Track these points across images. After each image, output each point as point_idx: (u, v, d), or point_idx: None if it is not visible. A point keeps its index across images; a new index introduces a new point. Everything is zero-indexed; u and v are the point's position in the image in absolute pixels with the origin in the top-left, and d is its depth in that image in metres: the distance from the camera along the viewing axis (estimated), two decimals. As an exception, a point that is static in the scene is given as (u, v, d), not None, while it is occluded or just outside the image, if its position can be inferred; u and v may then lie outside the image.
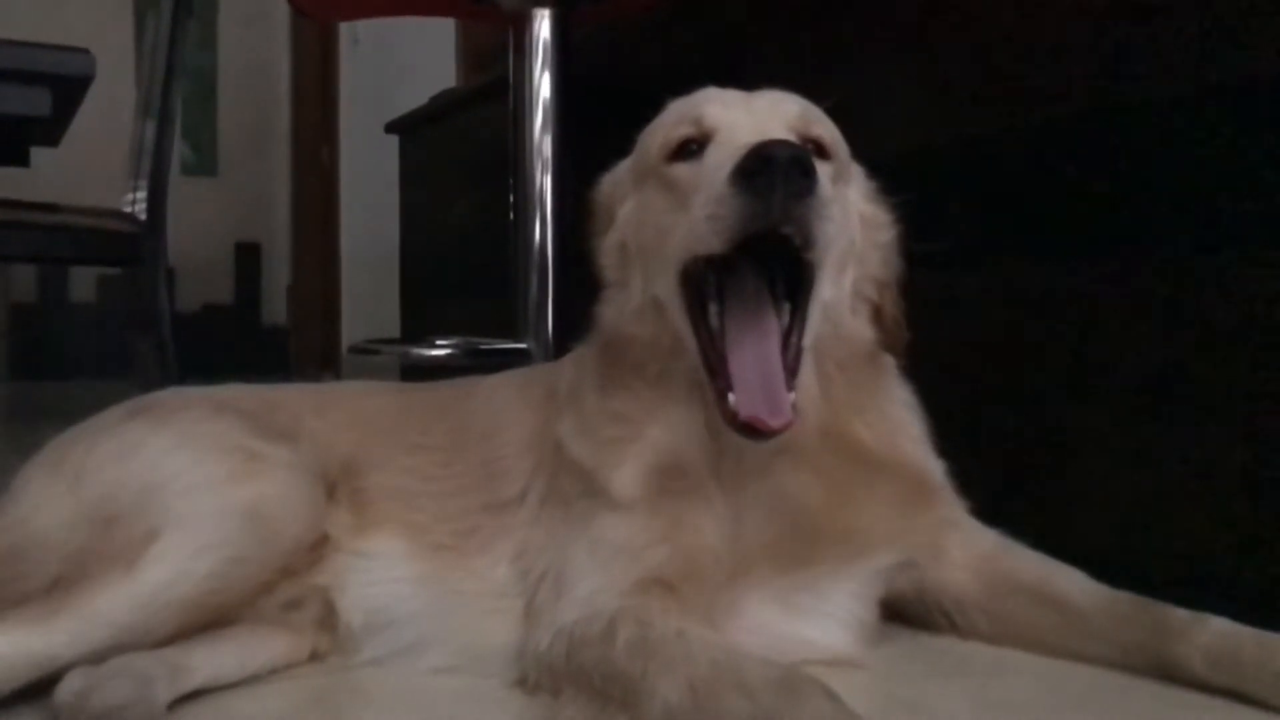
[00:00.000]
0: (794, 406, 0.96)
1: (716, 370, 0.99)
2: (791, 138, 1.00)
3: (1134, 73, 1.29)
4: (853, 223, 1.10)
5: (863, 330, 1.11)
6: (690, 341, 1.03)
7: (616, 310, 1.12)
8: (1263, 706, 0.93)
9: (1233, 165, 1.19)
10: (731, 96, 1.10)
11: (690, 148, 1.05)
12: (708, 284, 1.01)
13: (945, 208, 1.50)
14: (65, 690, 0.91)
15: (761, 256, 0.99)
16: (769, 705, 0.78)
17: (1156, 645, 1.00)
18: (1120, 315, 1.31)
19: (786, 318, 1.01)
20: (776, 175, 0.91)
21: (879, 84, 1.63)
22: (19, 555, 1.01)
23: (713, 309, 1.01)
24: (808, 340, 1.03)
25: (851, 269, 1.10)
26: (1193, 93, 1.23)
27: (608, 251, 1.14)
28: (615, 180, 1.18)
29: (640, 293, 1.09)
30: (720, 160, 0.98)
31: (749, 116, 1.04)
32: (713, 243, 0.95)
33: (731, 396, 0.95)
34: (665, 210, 1.05)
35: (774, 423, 0.93)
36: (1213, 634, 0.97)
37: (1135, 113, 1.29)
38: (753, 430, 0.94)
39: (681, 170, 1.05)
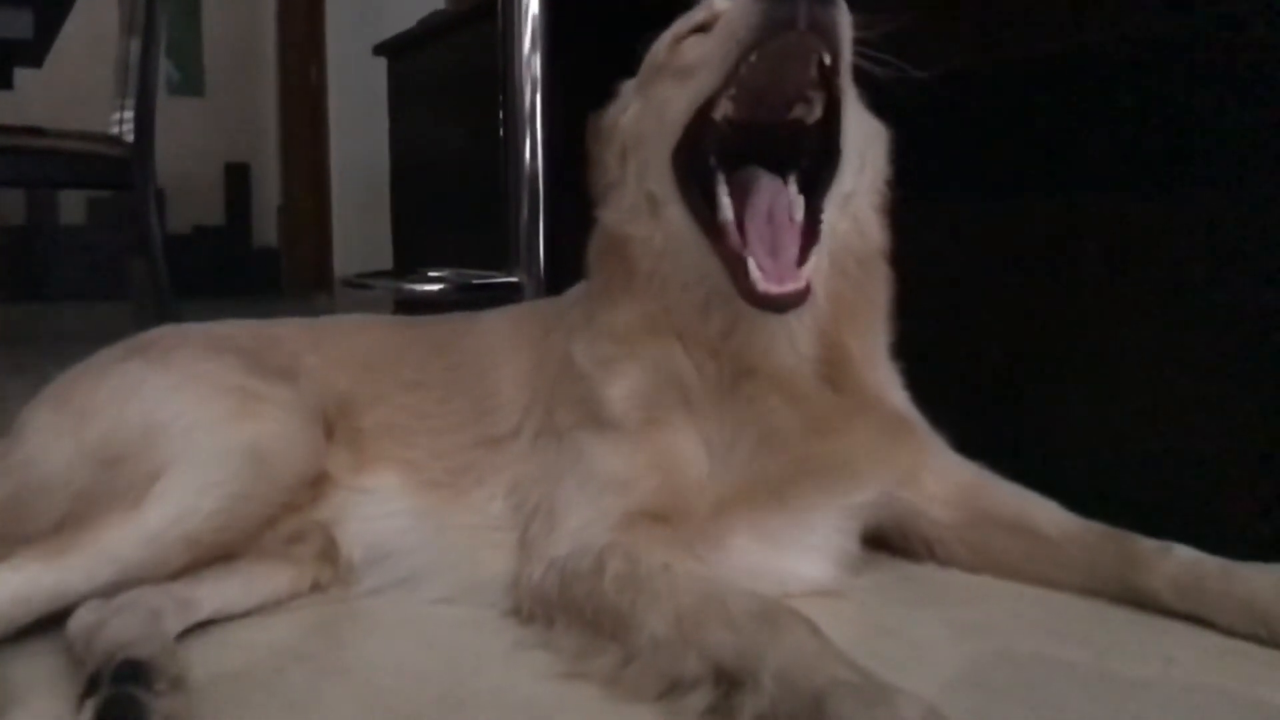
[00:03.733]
0: (808, 286, 0.96)
1: (731, 256, 0.99)
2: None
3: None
4: (868, 123, 1.13)
5: (879, 229, 1.13)
6: (687, 231, 1.05)
7: (614, 211, 1.14)
8: (1225, 631, 0.97)
9: (1224, 102, 1.20)
10: None
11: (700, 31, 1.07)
12: (717, 180, 1.02)
13: (936, 137, 1.50)
14: (77, 624, 0.94)
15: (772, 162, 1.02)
16: (751, 637, 0.81)
17: (1125, 573, 1.04)
18: (1114, 247, 1.33)
19: (800, 211, 1.02)
20: None
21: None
22: (27, 495, 1.04)
23: (725, 203, 1.01)
24: (829, 211, 1.04)
25: (870, 165, 1.12)
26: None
27: (609, 156, 1.16)
28: (620, 101, 1.20)
29: (635, 188, 1.11)
30: (733, 11, 0.99)
31: None
32: (732, 53, 0.96)
33: (751, 263, 0.97)
34: (670, 89, 1.07)
35: (788, 282, 0.95)
36: (1178, 563, 1.01)
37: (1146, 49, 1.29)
38: (768, 300, 0.95)
39: (691, 44, 1.07)
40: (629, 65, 1.20)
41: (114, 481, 1.02)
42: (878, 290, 1.14)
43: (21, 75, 4.57)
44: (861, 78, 1.10)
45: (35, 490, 1.04)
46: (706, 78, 1.01)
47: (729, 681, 0.81)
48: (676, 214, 1.06)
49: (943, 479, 1.17)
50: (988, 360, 1.48)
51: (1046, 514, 1.12)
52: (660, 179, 1.07)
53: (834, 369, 1.09)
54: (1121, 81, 1.30)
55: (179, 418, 1.07)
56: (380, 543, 1.14)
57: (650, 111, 1.11)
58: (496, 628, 1.03)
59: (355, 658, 0.99)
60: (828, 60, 0.97)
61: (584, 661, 0.92)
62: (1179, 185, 1.23)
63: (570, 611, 0.96)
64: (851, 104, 1.06)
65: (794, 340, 1.06)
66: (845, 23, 0.97)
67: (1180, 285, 1.24)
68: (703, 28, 1.08)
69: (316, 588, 1.13)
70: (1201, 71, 1.21)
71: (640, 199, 1.10)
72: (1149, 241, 1.27)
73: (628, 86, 1.20)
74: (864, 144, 1.11)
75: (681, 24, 1.12)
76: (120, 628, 0.90)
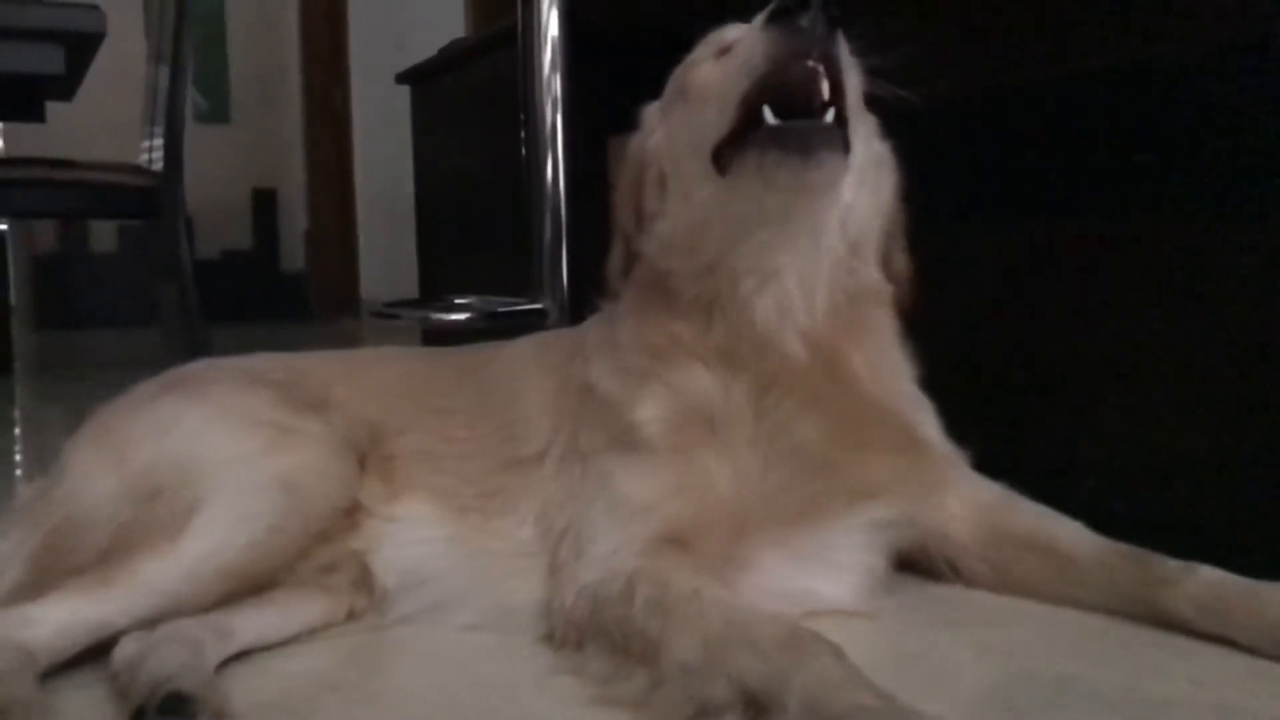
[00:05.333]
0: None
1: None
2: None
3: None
4: (873, 146, 1.16)
5: (872, 269, 1.16)
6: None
7: (656, 243, 1.15)
8: (1251, 652, 0.97)
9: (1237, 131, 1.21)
10: None
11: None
12: None
13: (954, 161, 1.52)
14: (120, 655, 0.97)
15: None
16: (777, 663, 0.82)
17: (1149, 593, 1.04)
18: (1124, 273, 1.33)
19: None
20: (813, 11, 0.97)
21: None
22: (70, 528, 1.06)
23: None
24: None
25: (868, 193, 1.14)
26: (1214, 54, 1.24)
27: (646, 185, 1.18)
28: (645, 127, 1.22)
29: (679, 212, 1.13)
30: (747, 39, 1.04)
31: None
32: (747, 83, 1.01)
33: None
34: (695, 113, 1.10)
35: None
36: (1201, 583, 1.01)
37: (1147, 74, 1.30)
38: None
39: (706, 69, 1.11)
40: (649, 87, 1.23)
41: (153, 515, 1.05)
42: (880, 322, 1.17)
43: (52, 108, 4.66)
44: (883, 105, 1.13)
45: (78, 524, 1.06)
46: (723, 110, 1.04)
47: (756, 707, 0.82)
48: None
49: (965, 499, 1.18)
50: (1012, 380, 1.49)
51: (1070, 534, 1.13)
52: (704, 188, 1.09)
53: (843, 382, 1.11)
54: (1152, 103, 1.30)
55: (214, 452, 1.10)
56: (412, 569, 1.15)
57: (680, 133, 1.14)
58: (527, 654, 1.05)
59: (390, 686, 1.01)
60: (827, 95, 1.01)
61: (613, 686, 0.93)
62: (1207, 204, 1.24)
63: (600, 637, 0.98)
64: (861, 128, 1.10)
65: (785, 329, 1.09)
66: (845, 55, 1.03)
67: (1210, 303, 1.24)
68: (729, 48, 1.11)
69: (351, 616, 1.15)
70: (1238, 93, 1.22)
71: (686, 221, 1.12)
72: (1178, 261, 1.28)
73: (650, 111, 1.22)
74: (868, 167, 1.14)
75: (701, 51, 1.16)
76: (163, 659, 0.92)
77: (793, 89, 1.01)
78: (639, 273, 1.18)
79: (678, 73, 1.19)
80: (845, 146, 1.03)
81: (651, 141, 1.18)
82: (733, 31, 1.13)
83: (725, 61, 1.08)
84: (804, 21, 0.97)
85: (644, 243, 1.17)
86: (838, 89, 1.01)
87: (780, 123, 0.99)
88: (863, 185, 1.13)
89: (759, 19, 1.02)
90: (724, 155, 1.05)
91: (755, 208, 1.07)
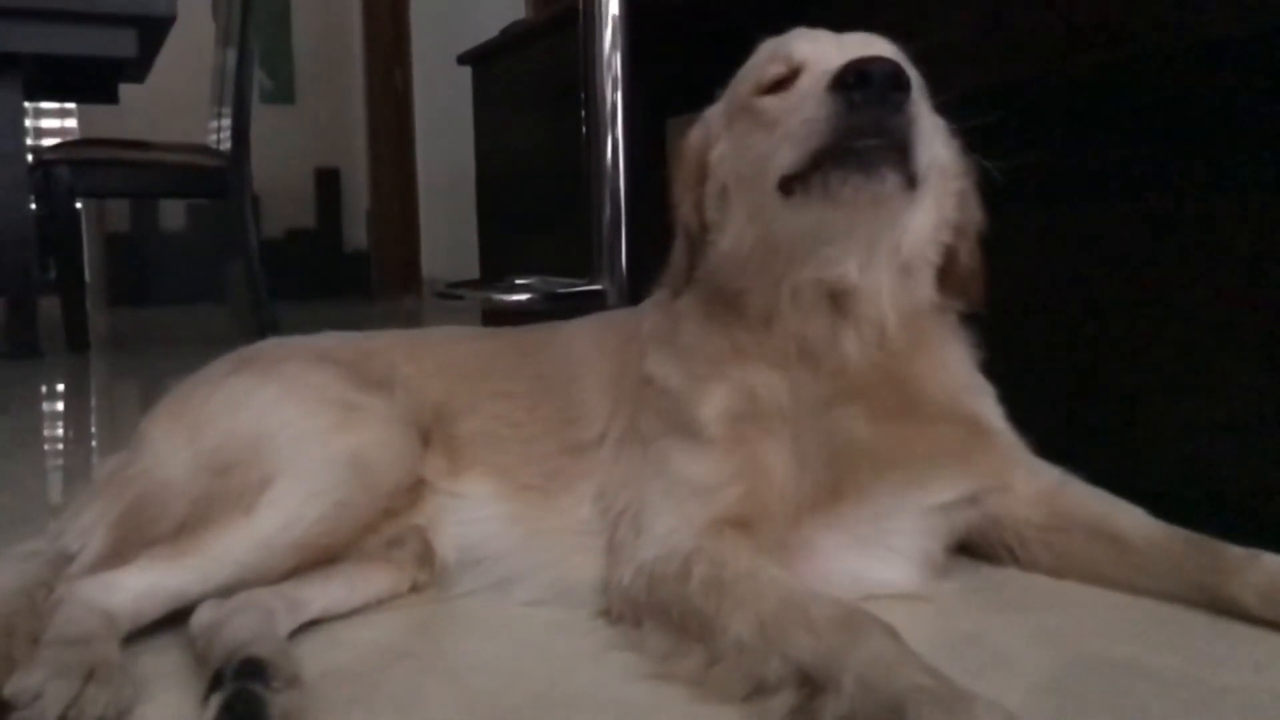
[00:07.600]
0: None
1: None
2: None
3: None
4: (939, 158, 1.13)
5: (927, 287, 1.14)
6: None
7: (717, 254, 1.16)
8: (1314, 641, 0.96)
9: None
10: (822, 34, 1.13)
11: (781, 84, 1.09)
12: None
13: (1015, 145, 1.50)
14: (198, 622, 1.01)
15: None
16: (832, 642, 0.83)
17: (1211, 581, 1.03)
18: (1186, 253, 1.32)
19: None
20: (873, 90, 0.95)
21: (958, 21, 1.62)
22: (148, 502, 1.10)
23: None
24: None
25: (925, 213, 1.12)
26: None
27: (708, 198, 1.17)
28: (705, 126, 1.21)
29: (743, 230, 1.13)
30: (812, 84, 1.02)
31: (839, 53, 1.05)
32: (808, 145, 0.99)
33: None
34: (760, 140, 1.08)
35: None
36: (1265, 571, 1.00)
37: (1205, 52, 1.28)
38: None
39: (772, 102, 1.08)
40: (709, 68, 1.22)
41: (227, 489, 1.09)
42: (938, 328, 1.17)
43: (125, 90, 4.79)
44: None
45: (155, 497, 1.10)
46: (787, 155, 1.02)
47: (811, 685, 0.83)
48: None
49: (1026, 484, 1.18)
50: (1075, 363, 1.47)
51: (1131, 519, 1.12)
52: (770, 215, 1.09)
53: (904, 391, 1.11)
54: (1203, 83, 1.28)
55: (286, 429, 1.13)
56: (474, 546, 1.18)
57: (744, 158, 1.12)
58: (586, 629, 1.07)
59: (454, 657, 1.04)
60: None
61: (671, 663, 0.95)
62: (1262, 183, 1.22)
63: (658, 614, 1.00)
64: (927, 153, 1.04)
65: (849, 342, 1.10)
66: (916, 121, 0.98)
67: (1268, 283, 1.22)
68: (781, 81, 1.09)
69: (415, 589, 1.18)
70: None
71: (750, 241, 1.12)
72: (1236, 240, 1.26)
73: (712, 114, 1.21)
74: (929, 189, 1.10)
75: (760, 71, 1.12)
76: (238, 627, 0.96)
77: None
78: (701, 279, 1.18)
79: (739, 85, 1.17)
80: (907, 163, 0.99)
81: (715, 154, 1.17)
82: (798, 45, 1.11)
83: (791, 100, 1.06)
84: (858, 97, 0.95)
85: (706, 252, 1.17)
86: (906, 152, 0.99)
87: (844, 142, 0.98)
88: (919, 206, 1.11)
89: (825, 80, 0.99)
90: (789, 184, 1.04)
91: (820, 224, 1.06)
